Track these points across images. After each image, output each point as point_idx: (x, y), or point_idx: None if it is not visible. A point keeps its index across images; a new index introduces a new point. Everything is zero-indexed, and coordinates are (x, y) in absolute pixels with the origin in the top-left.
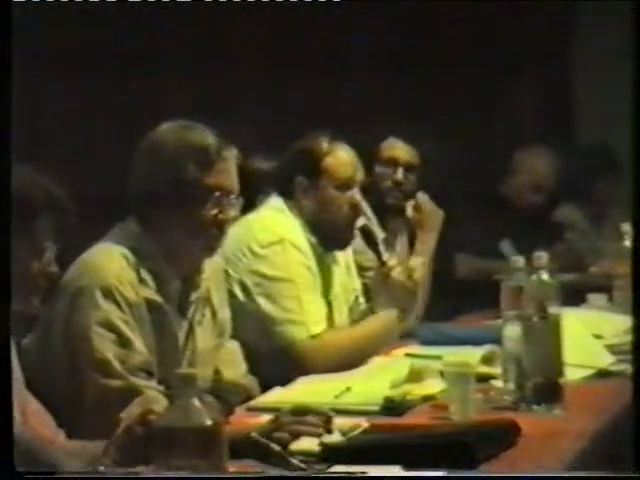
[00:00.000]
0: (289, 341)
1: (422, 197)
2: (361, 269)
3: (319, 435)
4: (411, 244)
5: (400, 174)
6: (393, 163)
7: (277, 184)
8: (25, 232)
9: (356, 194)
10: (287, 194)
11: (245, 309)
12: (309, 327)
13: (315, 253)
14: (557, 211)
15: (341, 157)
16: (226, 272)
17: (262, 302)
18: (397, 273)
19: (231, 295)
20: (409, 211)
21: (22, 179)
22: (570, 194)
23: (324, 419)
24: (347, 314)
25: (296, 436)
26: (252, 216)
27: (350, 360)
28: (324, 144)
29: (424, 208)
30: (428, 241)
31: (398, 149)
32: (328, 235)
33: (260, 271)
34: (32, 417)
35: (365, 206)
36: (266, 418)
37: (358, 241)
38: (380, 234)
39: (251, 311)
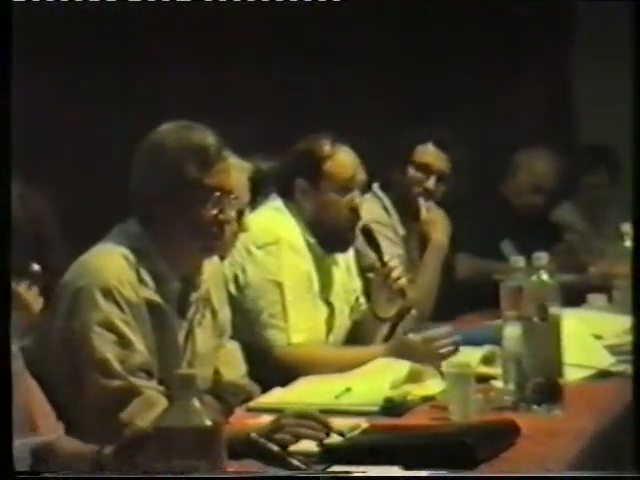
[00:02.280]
0: (269, 345)
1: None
2: (362, 269)
3: (319, 439)
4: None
5: (432, 183)
6: (427, 170)
7: (277, 185)
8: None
9: (356, 197)
10: (287, 195)
11: (237, 307)
12: (290, 334)
13: (314, 254)
14: (554, 212)
15: (342, 160)
16: (223, 270)
17: (250, 303)
18: (397, 274)
19: (227, 293)
20: (424, 212)
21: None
22: (570, 194)
23: (324, 423)
24: (348, 314)
25: (297, 438)
26: (251, 216)
27: (320, 372)
28: (326, 147)
29: (434, 215)
30: (437, 250)
31: (433, 156)
32: (328, 237)
33: (253, 271)
34: (39, 418)
35: (388, 202)
36: (266, 418)
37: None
38: (401, 231)
39: (241, 310)
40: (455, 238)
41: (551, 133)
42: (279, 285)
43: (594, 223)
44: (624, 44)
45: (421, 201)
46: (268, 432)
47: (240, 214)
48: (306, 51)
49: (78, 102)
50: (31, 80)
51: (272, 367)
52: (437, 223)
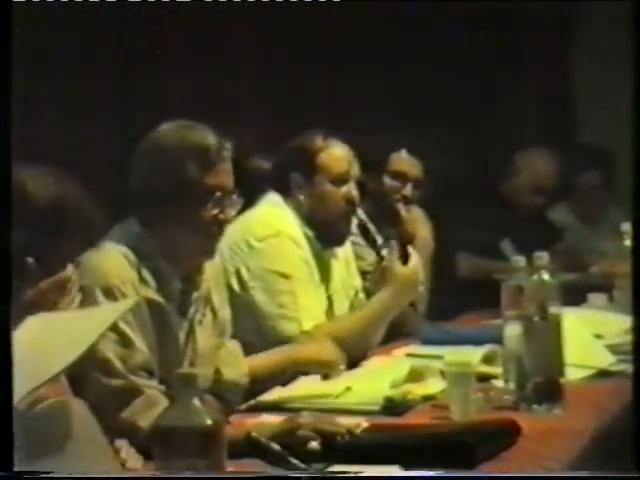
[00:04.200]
0: (281, 337)
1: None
2: (362, 273)
3: (341, 435)
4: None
5: (409, 190)
6: (402, 177)
7: (274, 181)
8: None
9: (352, 189)
10: (283, 191)
11: (241, 303)
12: (302, 323)
13: (313, 249)
14: (549, 213)
15: (335, 152)
16: (224, 266)
17: (257, 296)
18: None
19: (228, 289)
20: (404, 213)
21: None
22: (570, 194)
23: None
24: (348, 309)
25: (318, 435)
26: (249, 212)
27: (348, 352)
28: (318, 141)
29: (415, 214)
30: (425, 247)
31: (408, 164)
32: (325, 230)
33: (256, 265)
34: None
35: (361, 213)
36: (267, 418)
37: (357, 247)
38: (378, 240)
39: (246, 305)
40: (456, 238)
41: (551, 133)
42: (284, 275)
43: (593, 223)
44: (624, 44)
45: (399, 205)
46: (286, 431)
47: None
48: (306, 51)
49: (78, 102)
50: (31, 80)
51: None
52: (420, 221)
